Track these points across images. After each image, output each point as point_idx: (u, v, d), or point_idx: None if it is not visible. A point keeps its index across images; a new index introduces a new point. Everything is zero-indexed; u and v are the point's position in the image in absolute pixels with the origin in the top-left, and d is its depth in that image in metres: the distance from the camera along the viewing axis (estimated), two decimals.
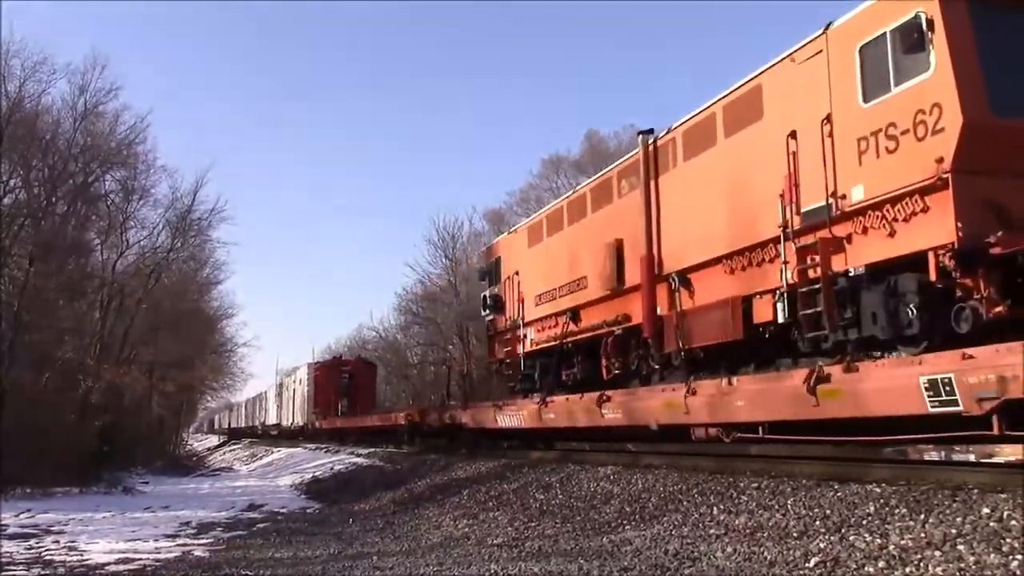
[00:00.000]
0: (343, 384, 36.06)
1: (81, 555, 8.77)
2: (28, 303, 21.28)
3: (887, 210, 7.60)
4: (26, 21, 55.69)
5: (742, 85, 9.75)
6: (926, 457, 9.97)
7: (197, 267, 36.55)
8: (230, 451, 55.53)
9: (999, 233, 6.69)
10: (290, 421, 42.37)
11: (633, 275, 11.87)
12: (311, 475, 21.64)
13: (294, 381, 42.72)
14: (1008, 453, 8.85)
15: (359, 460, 21.82)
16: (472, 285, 45.73)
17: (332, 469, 21.39)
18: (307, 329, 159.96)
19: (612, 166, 13.18)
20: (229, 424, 77.50)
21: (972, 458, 9.37)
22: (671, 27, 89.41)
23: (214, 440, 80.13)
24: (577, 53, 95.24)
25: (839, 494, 6.70)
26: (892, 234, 7.60)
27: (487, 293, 17.61)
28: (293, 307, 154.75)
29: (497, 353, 17.59)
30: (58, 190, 24.53)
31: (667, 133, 11.28)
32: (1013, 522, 5.14)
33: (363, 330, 59.79)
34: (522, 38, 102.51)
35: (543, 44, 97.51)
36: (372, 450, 24.06)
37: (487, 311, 17.49)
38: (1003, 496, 5.65)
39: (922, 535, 5.32)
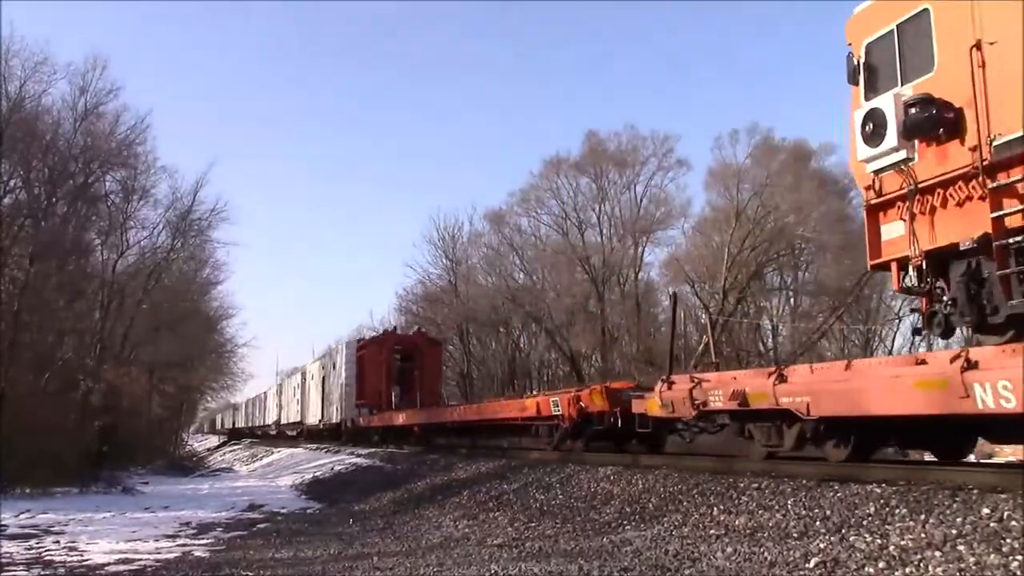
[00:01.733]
0: (397, 368, 27.87)
1: (81, 555, 8.77)
2: (28, 303, 21.29)
3: None
4: (26, 21, 55.62)
5: None
6: (926, 457, 9.98)
7: (197, 267, 36.56)
8: (230, 451, 55.50)
9: None
10: (318, 419, 34.23)
11: None
12: (311, 475, 21.63)
13: (322, 368, 34.39)
14: (1008, 453, 8.86)
15: (359, 460, 21.80)
16: (473, 286, 46.03)
17: (332, 469, 21.39)
18: (307, 329, 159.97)
19: None
20: (233, 424, 73.70)
21: (972, 458, 9.37)
22: (671, 27, 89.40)
23: (214, 440, 79.94)
24: (577, 53, 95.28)
25: (839, 494, 6.70)
26: None
27: (878, 105, 7.66)
28: (293, 307, 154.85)
29: (919, 239, 7.43)
30: (58, 190, 24.55)
31: None
32: (1013, 522, 5.14)
33: (363, 330, 59.82)
34: (522, 38, 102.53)
35: (543, 44, 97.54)
36: (372, 450, 24.04)
37: (883, 145, 7.55)
38: (1003, 496, 5.65)
39: (922, 535, 5.32)
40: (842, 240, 38.18)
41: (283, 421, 45.09)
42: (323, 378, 33.72)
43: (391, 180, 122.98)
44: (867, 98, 7.99)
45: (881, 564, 5.09)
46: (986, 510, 5.43)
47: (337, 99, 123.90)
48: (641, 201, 42.25)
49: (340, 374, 29.87)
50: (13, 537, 10.46)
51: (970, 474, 6.68)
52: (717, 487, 8.06)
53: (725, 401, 8.85)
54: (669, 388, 10.03)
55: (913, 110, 7.27)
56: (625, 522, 7.98)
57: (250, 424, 62.66)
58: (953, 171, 7.06)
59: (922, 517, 5.64)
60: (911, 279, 7.69)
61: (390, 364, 27.61)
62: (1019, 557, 4.68)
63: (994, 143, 6.72)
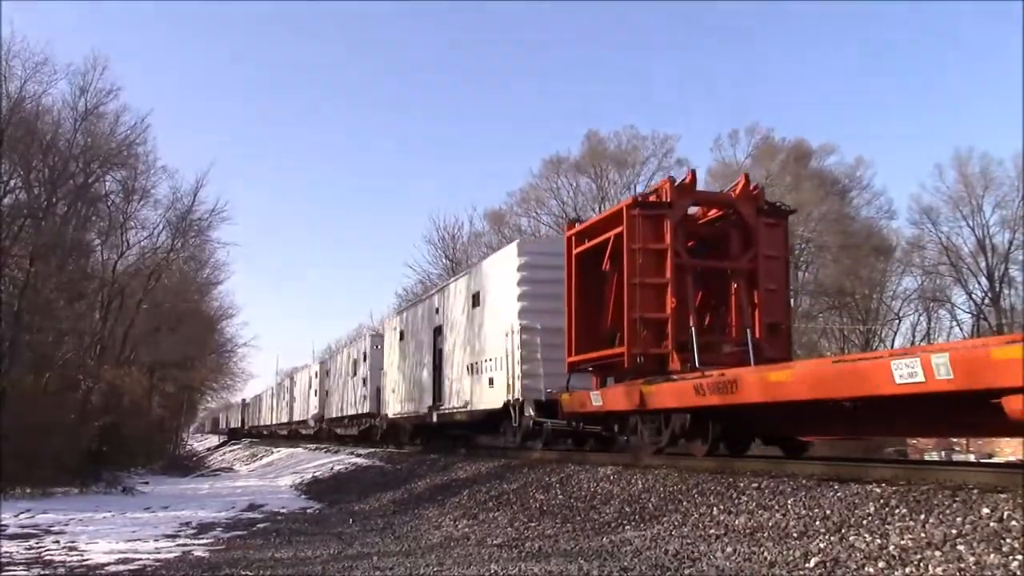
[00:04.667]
0: (690, 273, 10.97)
1: (81, 555, 8.76)
2: (28, 303, 21.27)
3: None
4: (26, 21, 55.56)
5: None
6: (926, 457, 10.00)
7: (197, 267, 36.56)
8: (230, 451, 55.49)
9: None
10: (427, 404, 19.11)
11: None
12: (311, 475, 21.63)
13: (425, 317, 19.93)
14: (1008, 453, 8.87)
15: (359, 460, 21.80)
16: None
17: (332, 469, 21.39)
18: (307, 329, 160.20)
19: None
20: (241, 422, 68.37)
21: (972, 458, 9.39)
22: (671, 27, 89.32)
23: (215, 440, 79.79)
24: (577, 53, 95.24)
25: (839, 494, 6.70)
26: None
27: None
28: (293, 307, 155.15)
29: None
30: (58, 190, 24.51)
31: None
32: (1013, 522, 5.14)
33: (363, 330, 59.80)
34: (522, 38, 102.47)
35: (543, 44, 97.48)
36: (372, 450, 24.03)
37: None
38: (1003, 496, 5.65)
39: (922, 535, 5.33)
40: (842, 240, 38.22)
41: (333, 414, 32.63)
42: (436, 330, 18.93)
43: (391, 180, 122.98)
44: None
45: (881, 564, 5.09)
46: (986, 510, 5.43)
47: (337, 98, 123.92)
48: None
49: (498, 306, 15.10)
50: (13, 537, 10.45)
51: (970, 474, 6.69)
52: (717, 487, 8.06)
53: None
54: None
55: None
56: (625, 522, 7.98)
57: (265, 421, 55.21)
58: None
59: (922, 517, 5.64)
60: None
61: (683, 262, 10.92)
62: (1019, 557, 4.68)
63: None
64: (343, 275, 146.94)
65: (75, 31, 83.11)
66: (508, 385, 14.27)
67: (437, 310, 19.04)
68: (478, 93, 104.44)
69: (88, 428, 21.70)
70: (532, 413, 13.63)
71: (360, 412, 27.69)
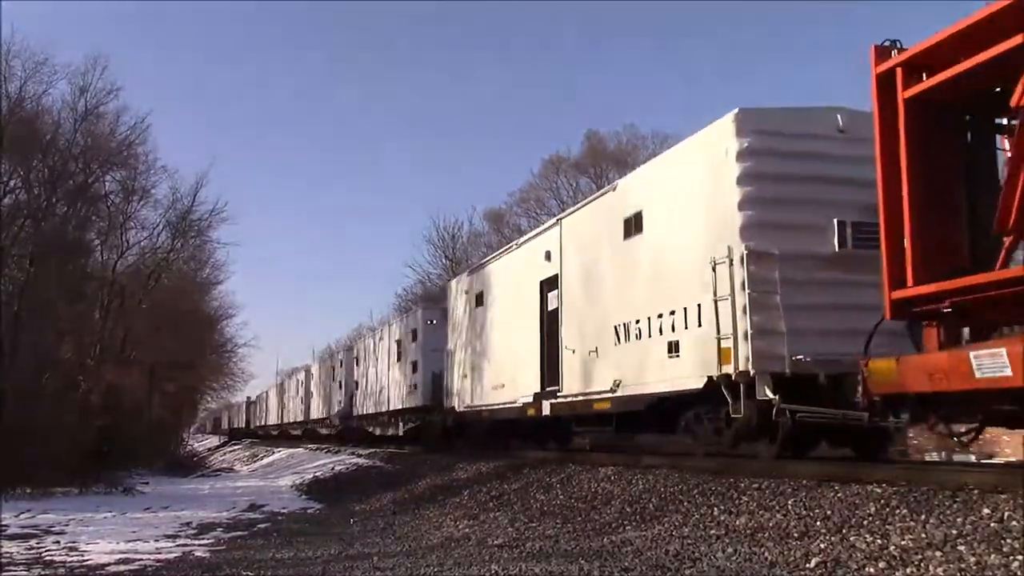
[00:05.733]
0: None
1: (81, 555, 8.75)
2: (28, 303, 21.29)
3: None
4: (26, 21, 55.48)
5: None
6: (927, 457, 10.01)
7: (197, 267, 36.59)
8: (230, 451, 55.52)
9: None
10: (524, 389, 13.90)
11: None
12: (312, 475, 21.64)
13: (529, 263, 14.08)
14: (1008, 453, 8.88)
15: (360, 460, 21.82)
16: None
17: (333, 469, 21.39)
18: (307, 329, 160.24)
19: None
20: (246, 422, 64.81)
21: (973, 458, 9.40)
22: (670, 27, 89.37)
23: (215, 440, 79.77)
24: (577, 53, 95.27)
25: (840, 495, 6.71)
26: None
27: None
28: (293, 307, 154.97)
29: None
30: (58, 190, 24.56)
31: None
32: (1014, 523, 5.14)
33: (363, 330, 59.78)
34: (522, 38, 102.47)
35: (543, 44, 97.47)
36: (373, 450, 24.05)
37: None
38: (1003, 496, 5.65)
39: (923, 536, 5.33)
40: None
41: (366, 410, 26.45)
42: (545, 284, 13.67)
43: (391, 179, 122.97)
44: None
45: (882, 564, 5.10)
46: (986, 510, 5.44)
47: (337, 97, 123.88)
48: None
49: (690, 223, 9.61)
50: (13, 537, 10.44)
51: (970, 474, 6.69)
52: (718, 487, 8.07)
53: None
54: None
55: None
56: (626, 522, 7.98)
57: (273, 420, 48.83)
58: None
59: (923, 517, 5.65)
60: None
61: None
62: (1019, 557, 4.68)
63: None
64: (343, 275, 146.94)
65: (75, 31, 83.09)
66: (719, 350, 8.74)
67: (548, 254, 13.45)
68: (479, 92, 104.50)
69: (88, 428, 21.70)
70: (771, 395, 8.28)
71: (407, 406, 22.32)
